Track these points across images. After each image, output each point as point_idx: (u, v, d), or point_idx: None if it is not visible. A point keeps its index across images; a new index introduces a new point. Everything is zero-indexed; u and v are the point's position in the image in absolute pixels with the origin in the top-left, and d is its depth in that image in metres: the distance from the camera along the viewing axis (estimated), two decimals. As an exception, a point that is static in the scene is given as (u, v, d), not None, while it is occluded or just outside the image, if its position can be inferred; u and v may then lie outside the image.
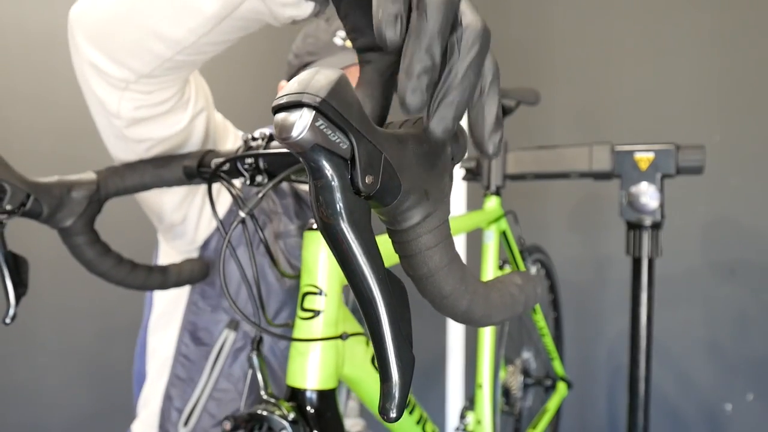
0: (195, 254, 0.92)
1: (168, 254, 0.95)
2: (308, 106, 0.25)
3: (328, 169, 0.27)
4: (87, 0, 0.58)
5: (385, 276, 0.29)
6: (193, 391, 0.89)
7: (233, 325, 0.90)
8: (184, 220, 0.87)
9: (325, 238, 0.28)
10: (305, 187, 0.99)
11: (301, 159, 0.27)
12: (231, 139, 0.89)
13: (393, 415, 0.29)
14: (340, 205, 0.27)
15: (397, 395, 0.29)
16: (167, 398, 0.91)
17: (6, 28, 1.53)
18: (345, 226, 0.28)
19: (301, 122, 0.25)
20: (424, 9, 0.28)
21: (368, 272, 0.28)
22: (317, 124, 0.25)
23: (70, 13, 0.60)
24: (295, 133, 0.25)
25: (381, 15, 0.27)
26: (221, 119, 0.87)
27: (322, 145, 0.26)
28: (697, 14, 1.68)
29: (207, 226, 0.90)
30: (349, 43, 0.92)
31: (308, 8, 0.49)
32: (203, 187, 0.86)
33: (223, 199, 0.91)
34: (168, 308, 0.95)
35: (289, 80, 1.03)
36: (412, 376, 0.30)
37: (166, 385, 0.91)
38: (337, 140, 0.26)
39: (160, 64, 0.57)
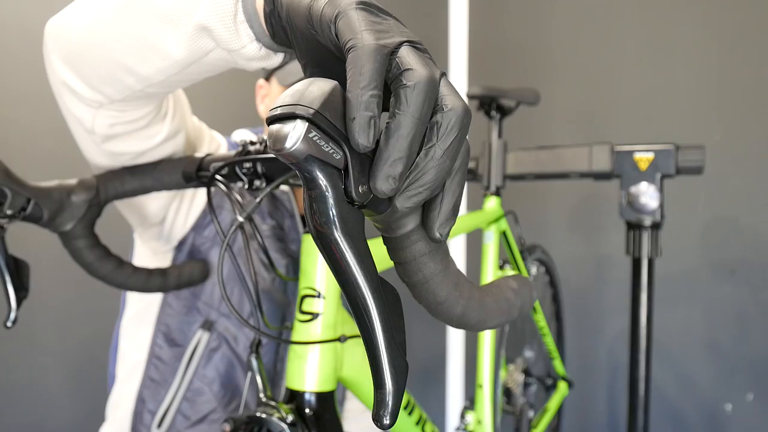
0: (169, 255, 0.92)
1: (143, 254, 0.95)
2: (301, 117, 0.25)
3: (322, 180, 0.27)
4: (63, 19, 0.58)
5: (378, 285, 0.29)
6: (166, 393, 0.89)
7: (207, 325, 0.90)
8: (163, 221, 0.87)
9: (318, 247, 0.29)
10: (281, 187, 0.98)
11: (295, 169, 0.27)
12: (206, 141, 0.89)
13: (386, 422, 0.29)
14: (333, 214, 0.27)
15: (390, 403, 0.29)
16: (140, 400, 0.90)
17: (6, 28, 1.53)
18: (339, 236, 0.28)
19: (294, 133, 0.25)
20: (404, 96, 0.27)
21: (362, 281, 0.29)
22: (311, 135, 0.26)
23: (46, 27, 0.59)
24: (288, 145, 0.25)
25: (354, 120, 0.26)
26: (196, 122, 0.87)
27: (315, 155, 0.26)
28: (697, 14, 1.68)
29: (182, 227, 0.90)
30: None
31: (278, 59, 0.48)
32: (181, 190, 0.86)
33: (198, 201, 0.91)
34: (141, 310, 0.95)
35: (266, 78, 1.04)
36: (406, 383, 0.30)
37: (139, 388, 0.91)
38: (331, 151, 0.27)
39: (131, 93, 0.57)
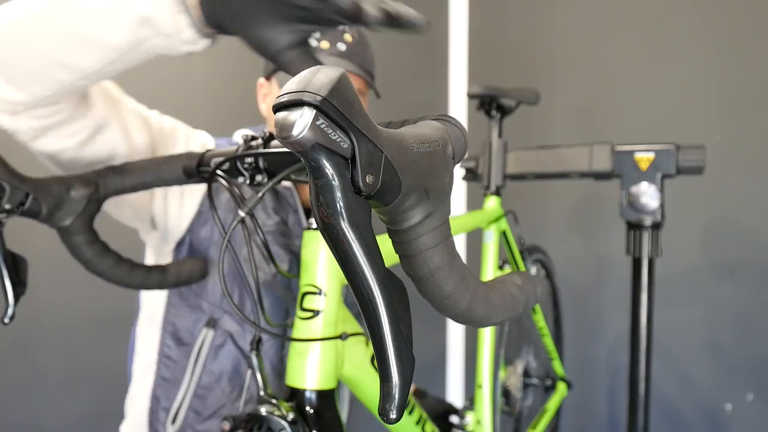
0: (169, 256, 0.94)
1: (152, 256, 0.98)
2: (309, 104, 0.25)
3: (329, 168, 0.26)
4: None
5: (385, 276, 0.29)
6: (178, 391, 0.92)
7: (212, 323, 0.92)
8: (156, 227, 0.91)
9: (325, 238, 0.28)
10: (284, 182, 0.99)
11: (301, 158, 0.27)
12: (182, 141, 0.91)
13: (393, 416, 0.29)
14: (340, 204, 0.27)
15: (397, 396, 0.29)
16: (154, 399, 0.93)
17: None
18: (345, 226, 0.27)
19: (301, 121, 0.25)
20: None
21: (368, 272, 0.28)
22: (318, 122, 0.25)
23: None
24: (295, 132, 0.25)
25: None
26: (168, 122, 0.89)
27: (322, 144, 0.26)
28: (697, 14, 1.68)
29: (176, 229, 0.92)
30: (324, 44, 0.93)
31: (204, 44, 0.57)
32: (166, 192, 0.90)
33: (188, 204, 0.93)
34: (150, 312, 0.97)
35: (267, 78, 1.04)
36: (412, 377, 0.30)
37: (153, 387, 0.94)
38: (338, 139, 0.26)
39: (60, 88, 0.60)
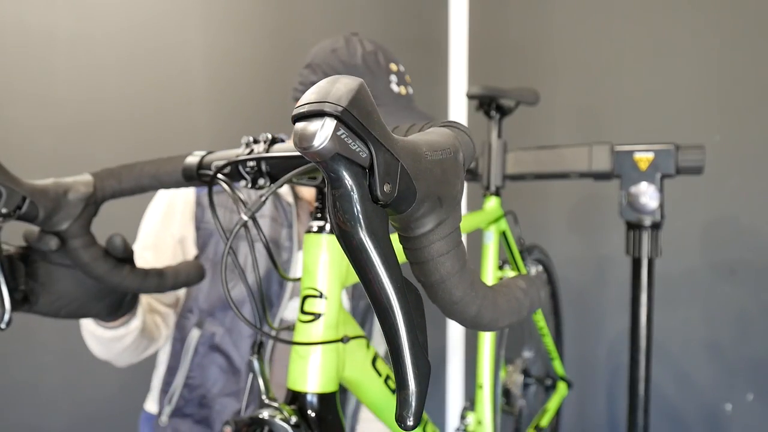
0: None
1: None
2: (330, 115, 0.25)
3: (348, 178, 0.26)
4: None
5: (402, 284, 0.29)
6: (175, 378, 1.06)
7: (199, 323, 1.05)
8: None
9: (342, 246, 0.28)
10: (287, 198, 1.06)
11: (320, 168, 0.27)
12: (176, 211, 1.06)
13: (410, 423, 0.29)
14: (358, 213, 0.27)
15: (414, 404, 0.29)
16: (165, 382, 1.08)
17: (6, 28, 1.52)
18: (363, 235, 0.27)
19: (322, 132, 0.25)
20: None
21: (386, 281, 0.28)
22: (338, 133, 0.25)
23: None
24: (316, 143, 0.25)
25: None
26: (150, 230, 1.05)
27: (342, 154, 0.26)
28: (697, 14, 1.68)
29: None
30: (402, 90, 0.92)
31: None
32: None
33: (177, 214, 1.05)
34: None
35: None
36: (428, 384, 0.30)
37: (165, 371, 1.09)
38: (357, 149, 0.26)
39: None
